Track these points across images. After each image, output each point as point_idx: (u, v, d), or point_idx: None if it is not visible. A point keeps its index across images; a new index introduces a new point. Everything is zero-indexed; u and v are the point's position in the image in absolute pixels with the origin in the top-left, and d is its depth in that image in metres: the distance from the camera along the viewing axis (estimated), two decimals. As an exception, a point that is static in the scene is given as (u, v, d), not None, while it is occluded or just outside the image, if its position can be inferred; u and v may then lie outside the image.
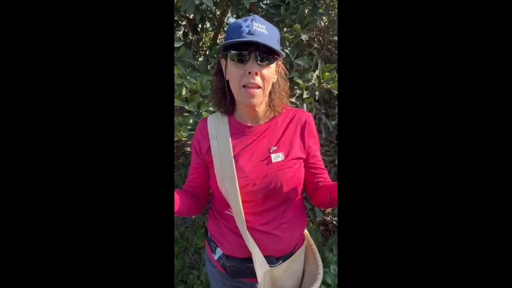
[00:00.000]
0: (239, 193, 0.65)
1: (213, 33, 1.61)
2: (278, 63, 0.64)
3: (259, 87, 0.60)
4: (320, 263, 0.76)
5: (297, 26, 1.14)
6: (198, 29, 1.54)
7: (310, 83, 1.25)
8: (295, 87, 1.25)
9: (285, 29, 1.25)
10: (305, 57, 1.23)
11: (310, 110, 1.28)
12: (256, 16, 0.61)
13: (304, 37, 1.16)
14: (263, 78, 0.60)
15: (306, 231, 0.81)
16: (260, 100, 0.63)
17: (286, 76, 0.69)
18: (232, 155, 0.66)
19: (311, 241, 0.81)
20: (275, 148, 0.66)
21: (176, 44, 0.99)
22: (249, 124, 0.68)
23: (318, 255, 0.78)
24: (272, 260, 0.69)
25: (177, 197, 0.65)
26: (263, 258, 0.67)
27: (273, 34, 0.61)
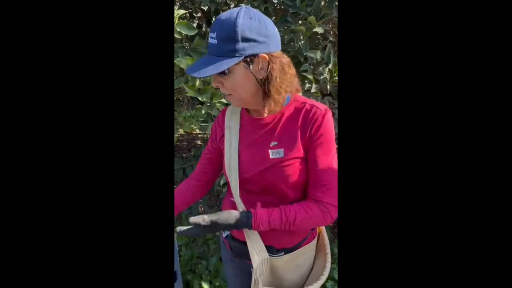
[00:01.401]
0: (238, 183, 0.67)
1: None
2: (260, 59, 0.58)
3: (230, 93, 0.62)
4: (328, 264, 0.74)
5: (312, 18, 1.12)
6: (212, 21, 1.54)
7: (322, 77, 1.24)
8: (305, 80, 1.24)
9: (300, 21, 1.24)
10: (318, 51, 1.21)
11: (322, 105, 1.26)
12: (218, 18, 0.57)
13: (319, 29, 1.15)
14: (228, 86, 0.60)
15: (323, 230, 0.79)
16: (239, 102, 0.63)
17: (288, 66, 0.62)
18: (238, 146, 0.67)
19: (326, 241, 0.79)
20: (276, 143, 0.64)
21: (191, 33, 1.00)
22: (255, 117, 0.68)
23: (329, 255, 0.77)
24: (272, 250, 0.69)
25: (183, 195, 0.74)
26: (263, 246, 0.67)
27: (223, 38, 0.55)
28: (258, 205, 0.63)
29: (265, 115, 0.66)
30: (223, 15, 0.57)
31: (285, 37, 1.28)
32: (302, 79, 1.25)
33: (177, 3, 1.55)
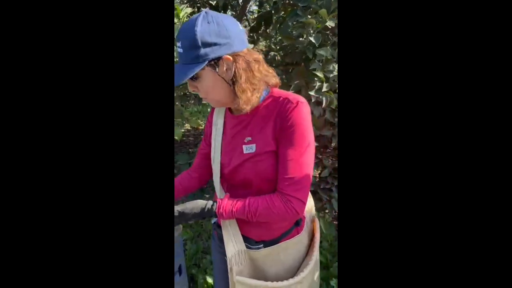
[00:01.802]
0: (219, 178, 0.72)
1: (235, 20, 1.59)
2: (224, 61, 0.59)
3: (205, 96, 0.65)
4: (311, 262, 0.73)
5: (324, 11, 1.10)
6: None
7: (332, 75, 1.21)
8: (315, 79, 1.22)
9: (309, 16, 1.21)
10: (328, 47, 1.18)
11: (331, 102, 1.24)
12: (181, 28, 0.59)
13: (330, 23, 1.12)
14: (201, 90, 0.63)
15: (318, 228, 0.79)
16: (216, 104, 0.67)
17: (256, 62, 0.62)
18: (220, 142, 0.72)
19: (317, 239, 0.79)
20: (249, 139, 0.66)
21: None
22: (235, 114, 0.71)
23: (315, 254, 0.76)
24: (251, 241, 0.70)
25: (180, 186, 0.80)
26: (241, 237, 0.69)
27: (186, 46, 0.57)
28: (226, 196, 0.67)
29: (244, 111, 0.66)
30: (185, 24, 0.59)
31: (294, 32, 1.26)
32: (312, 77, 1.23)
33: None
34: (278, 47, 1.63)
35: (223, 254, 0.77)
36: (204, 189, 1.79)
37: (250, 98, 0.62)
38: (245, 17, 1.58)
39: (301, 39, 1.25)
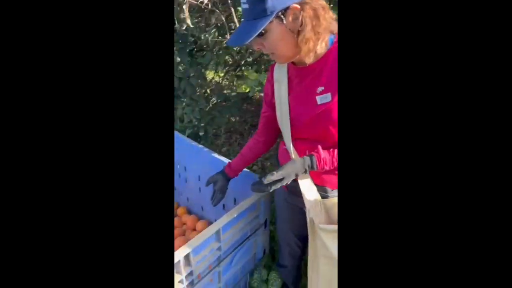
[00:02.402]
0: (290, 133, 0.71)
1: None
2: (291, 11, 0.57)
3: (272, 52, 0.63)
4: None
5: None
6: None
7: None
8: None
9: None
10: None
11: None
12: None
13: None
14: (268, 46, 0.61)
15: None
16: (283, 59, 0.65)
17: (322, 9, 0.59)
18: (287, 97, 0.70)
19: None
20: (322, 88, 0.64)
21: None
22: (300, 66, 0.68)
23: None
24: (326, 190, 0.72)
25: (250, 152, 0.88)
26: (315, 188, 0.70)
27: (252, 0, 0.56)
28: (319, 148, 0.66)
29: (310, 61, 0.65)
30: None
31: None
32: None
33: None
34: None
35: (293, 206, 0.83)
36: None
37: (312, 48, 0.60)
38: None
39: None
